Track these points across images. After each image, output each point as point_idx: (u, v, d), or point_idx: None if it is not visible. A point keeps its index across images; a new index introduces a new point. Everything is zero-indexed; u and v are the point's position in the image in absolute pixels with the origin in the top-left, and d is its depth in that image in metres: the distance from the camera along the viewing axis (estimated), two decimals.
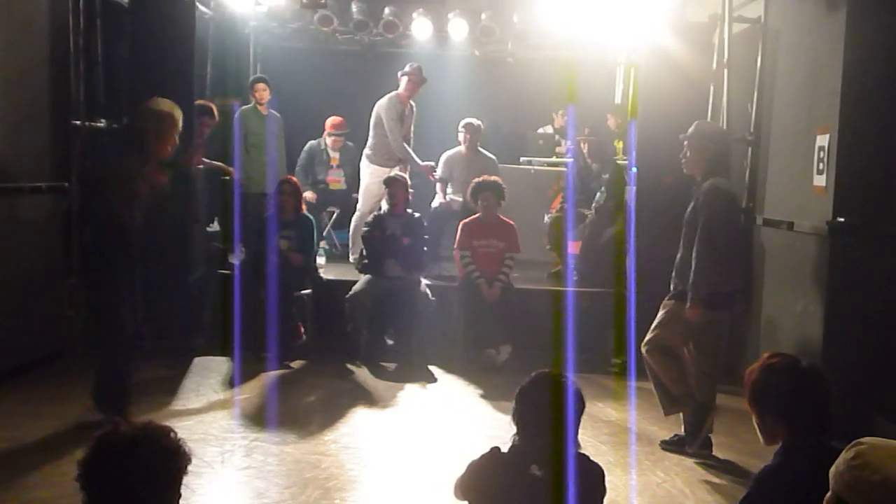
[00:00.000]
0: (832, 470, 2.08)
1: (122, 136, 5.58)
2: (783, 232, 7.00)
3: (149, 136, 5.49)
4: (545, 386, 3.01)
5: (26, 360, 6.71)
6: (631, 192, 7.91)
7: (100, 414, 5.55)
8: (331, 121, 9.84)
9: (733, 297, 5.76)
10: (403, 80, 8.86)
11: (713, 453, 5.62)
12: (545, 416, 2.95)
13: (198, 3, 7.93)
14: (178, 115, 5.61)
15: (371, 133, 8.97)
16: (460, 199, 8.91)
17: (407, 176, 8.55)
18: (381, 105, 8.90)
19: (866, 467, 1.98)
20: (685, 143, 5.64)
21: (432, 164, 9.05)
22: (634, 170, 7.89)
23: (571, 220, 8.90)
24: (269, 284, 7.37)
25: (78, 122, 7.24)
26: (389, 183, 7.95)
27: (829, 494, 2.09)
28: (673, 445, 5.74)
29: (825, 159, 6.28)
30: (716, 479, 5.27)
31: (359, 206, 9.07)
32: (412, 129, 9.17)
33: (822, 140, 6.32)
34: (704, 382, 5.63)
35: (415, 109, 9.14)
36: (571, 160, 10.05)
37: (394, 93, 8.90)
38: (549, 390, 3.00)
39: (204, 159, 8.37)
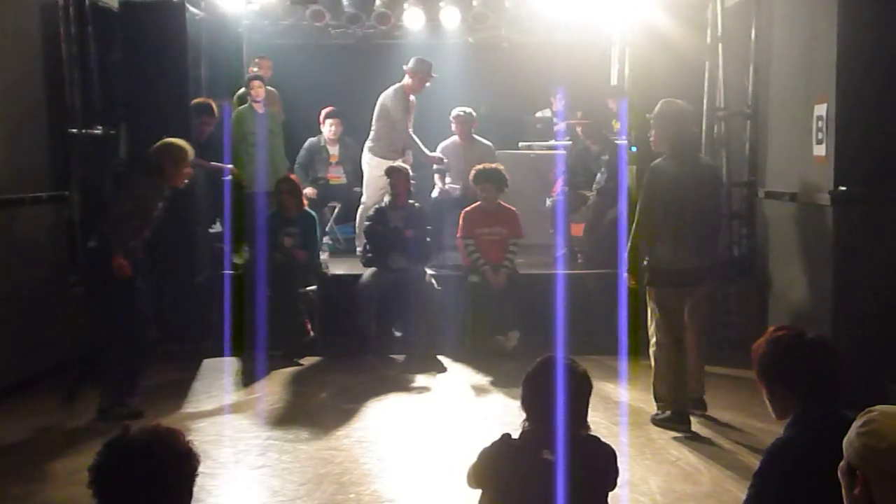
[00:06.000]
0: (845, 439, 2.07)
1: (140, 167, 6.20)
2: (786, 204, 6.99)
3: (167, 167, 5.97)
4: (550, 370, 3.02)
5: (34, 372, 6.71)
6: (622, 172, 7.88)
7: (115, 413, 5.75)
8: (324, 112, 9.84)
9: None
10: (410, 76, 8.71)
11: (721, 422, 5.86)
12: (552, 400, 2.96)
13: (188, 5, 7.89)
14: (190, 150, 6.13)
15: (374, 125, 8.82)
16: (458, 188, 8.89)
17: (409, 167, 8.51)
18: (387, 96, 8.74)
19: (874, 434, 1.97)
20: (651, 122, 5.94)
21: (440, 155, 8.98)
22: (634, 149, 7.86)
23: (567, 204, 8.87)
24: (275, 283, 7.39)
25: (75, 130, 7.23)
26: (391, 173, 7.92)
27: (842, 463, 2.08)
28: (662, 421, 5.80)
29: (824, 129, 6.26)
30: (730, 456, 5.27)
31: (363, 198, 8.99)
32: (411, 119, 9.11)
33: (821, 110, 6.30)
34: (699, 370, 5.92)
35: (415, 101, 9.05)
36: (567, 143, 10.01)
37: (398, 84, 8.75)
38: (554, 374, 3.00)
39: (203, 161, 8.39)
